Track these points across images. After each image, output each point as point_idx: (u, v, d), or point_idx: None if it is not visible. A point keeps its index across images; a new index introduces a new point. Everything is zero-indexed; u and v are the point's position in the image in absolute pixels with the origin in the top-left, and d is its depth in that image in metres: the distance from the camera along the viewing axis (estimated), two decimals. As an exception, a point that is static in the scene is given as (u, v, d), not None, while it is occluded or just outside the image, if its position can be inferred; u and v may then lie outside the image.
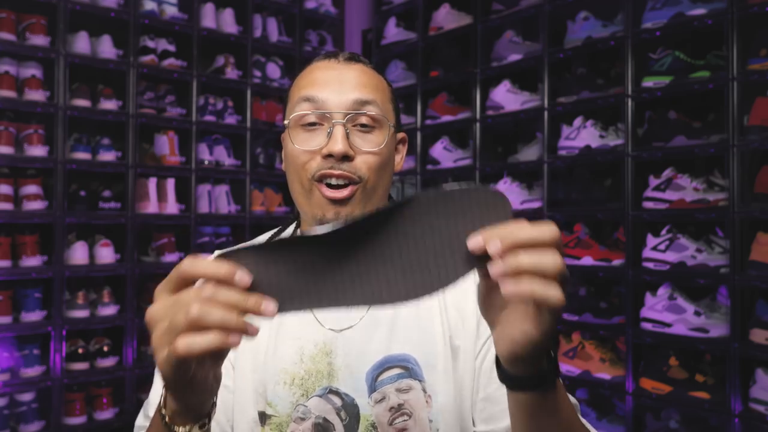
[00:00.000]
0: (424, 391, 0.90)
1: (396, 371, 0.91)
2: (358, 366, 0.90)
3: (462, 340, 0.93)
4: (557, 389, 0.67)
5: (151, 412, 0.89)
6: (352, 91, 0.91)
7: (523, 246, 0.56)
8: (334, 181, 0.89)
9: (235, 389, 0.93)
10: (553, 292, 0.55)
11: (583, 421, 0.79)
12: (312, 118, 0.91)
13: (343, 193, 0.89)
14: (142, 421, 0.93)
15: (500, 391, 0.89)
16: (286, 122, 0.93)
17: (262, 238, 1.05)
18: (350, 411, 0.90)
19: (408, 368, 0.91)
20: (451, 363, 0.92)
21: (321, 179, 0.89)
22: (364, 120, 0.91)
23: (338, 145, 0.87)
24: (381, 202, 0.96)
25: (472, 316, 0.95)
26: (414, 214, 0.60)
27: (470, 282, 0.96)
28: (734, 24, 2.13)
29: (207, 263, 0.57)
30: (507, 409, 0.71)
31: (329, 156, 0.88)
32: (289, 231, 1.04)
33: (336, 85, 0.91)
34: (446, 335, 0.93)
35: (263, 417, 0.91)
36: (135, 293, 2.84)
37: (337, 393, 0.90)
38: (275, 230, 1.06)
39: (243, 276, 0.57)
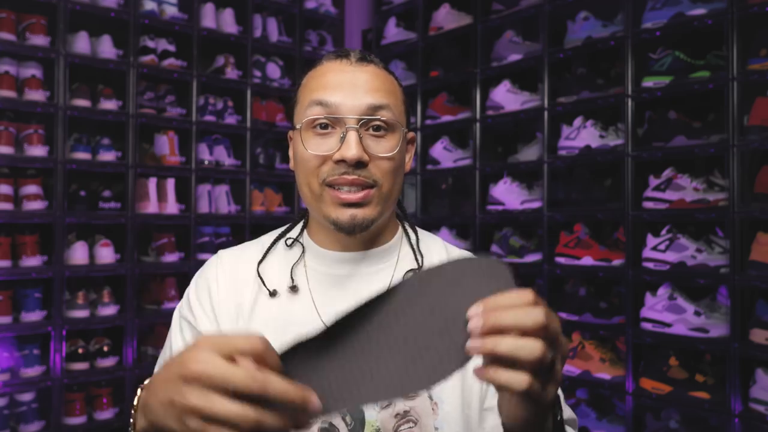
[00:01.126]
0: (431, 398, 0.90)
1: None
2: None
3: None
4: None
5: None
6: (366, 96, 0.89)
7: (506, 330, 0.55)
8: (346, 188, 0.88)
9: None
10: (517, 379, 0.55)
11: None
12: (324, 122, 0.89)
13: (357, 195, 0.88)
14: None
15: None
16: (298, 126, 0.92)
17: (267, 238, 1.04)
18: (355, 416, 0.89)
19: None
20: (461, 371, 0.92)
21: (332, 185, 0.89)
22: (377, 124, 0.90)
23: (352, 151, 0.86)
24: (394, 205, 0.97)
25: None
26: (410, 295, 0.58)
27: None
28: (734, 24, 2.13)
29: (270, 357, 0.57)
30: None
31: (341, 161, 0.87)
32: (295, 231, 1.03)
33: (349, 89, 0.89)
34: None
35: None
36: (135, 293, 2.84)
37: None
38: (283, 229, 1.04)
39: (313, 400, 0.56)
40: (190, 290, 1.00)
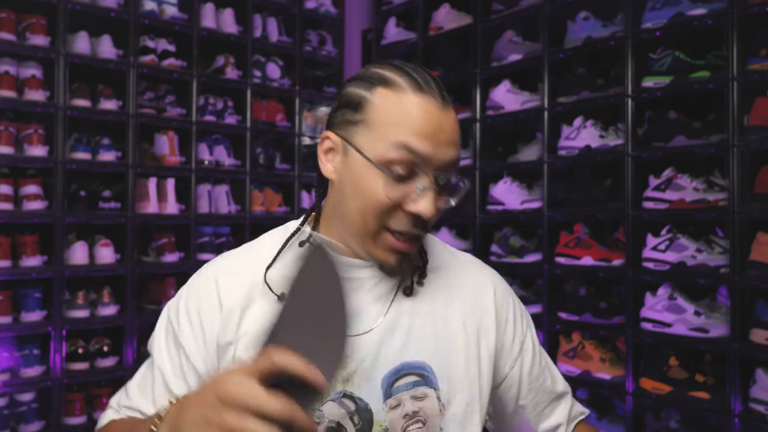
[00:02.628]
0: (439, 399, 0.92)
1: (412, 378, 0.91)
2: (374, 371, 0.90)
3: (485, 346, 0.97)
4: None
5: (124, 410, 0.92)
6: (449, 149, 0.84)
7: None
8: (405, 236, 0.86)
9: None
10: None
11: None
12: (405, 171, 0.83)
13: (409, 245, 0.88)
14: (115, 404, 0.95)
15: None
16: (378, 164, 0.82)
17: (267, 239, 0.98)
18: (363, 416, 0.89)
19: (424, 376, 0.92)
20: (475, 371, 0.95)
21: (393, 231, 0.86)
22: (448, 180, 0.87)
23: (431, 211, 0.83)
24: None
25: (490, 308, 1.00)
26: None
27: (487, 282, 1.01)
28: (734, 24, 2.13)
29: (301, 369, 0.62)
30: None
31: (415, 215, 0.84)
32: (305, 232, 0.96)
33: (440, 140, 0.83)
34: (470, 348, 0.96)
35: None
36: (135, 293, 2.84)
37: (351, 397, 0.90)
38: (293, 232, 0.96)
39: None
40: (182, 297, 0.95)
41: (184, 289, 0.96)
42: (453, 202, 0.89)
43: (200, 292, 0.93)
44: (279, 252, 0.93)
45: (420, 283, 0.96)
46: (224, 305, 0.90)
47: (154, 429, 0.71)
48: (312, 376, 0.62)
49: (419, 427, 0.90)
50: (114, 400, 0.96)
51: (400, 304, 0.94)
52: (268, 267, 0.92)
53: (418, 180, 0.83)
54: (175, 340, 0.92)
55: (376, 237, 0.86)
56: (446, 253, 1.04)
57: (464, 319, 0.97)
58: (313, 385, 0.63)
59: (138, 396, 0.93)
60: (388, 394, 0.90)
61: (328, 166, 0.90)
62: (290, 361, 0.62)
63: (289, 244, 0.94)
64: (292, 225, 0.99)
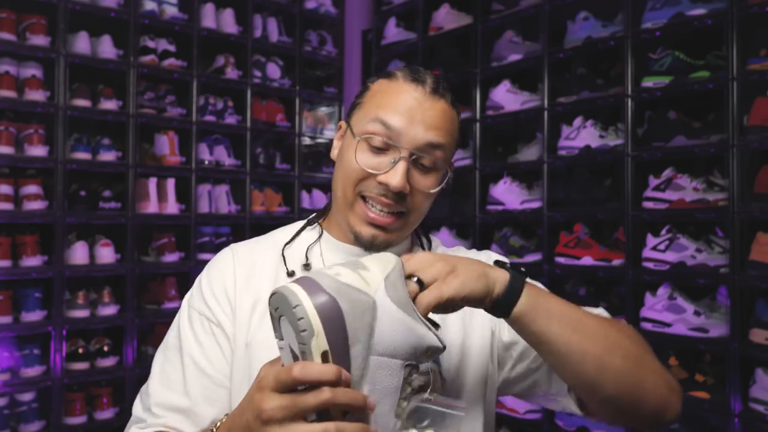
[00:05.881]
0: (441, 375, 0.93)
1: None
2: None
3: (479, 318, 0.99)
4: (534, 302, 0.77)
5: (154, 407, 0.92)
6: (427, 132, 0.91)
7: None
8: (378, 207, 0.92)
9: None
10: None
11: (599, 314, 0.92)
12: (380, 144, 0.91)
13: (386, 219, 0.92)
14: (141, 413, 0.94)
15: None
16: (355, 131, 0.93)
17: (280, 234, 1.05)
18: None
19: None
20: (478, 343, 0.98)
21: (367, 199, 0.92)
22: (426, 162, 0.92)
23: (397, 181, 0.89)
24: (413, 228, 1.00)
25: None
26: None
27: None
28: (734, 24, 2.13)
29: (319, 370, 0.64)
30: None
31: (385, 185, 0.90)
32: (314, 234, 1.04)
33: (415, 120, 0.91)
34: (465, 318, 0.98)
35: None
36: (135, 293, 2.84)
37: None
38: (300, 228, 1.05)
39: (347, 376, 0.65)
40: (202, 282, 0.99)
41: (202, 279, 1.01)
42: (433, 190, 0.94)
43: (223, 271, 0.99)
44: (297, 233, 1.03)
45: None
46: (242, 271, 0.98)
47: None
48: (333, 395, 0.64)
49: (420, 369, 0.92)
50: (136, 411, 0.95)
51: None
52: (286, 244, 1.01)
53: (392, 154, 0.91)
54: (203, 323, 0.95)
55: (353, 206, 0.93)
56: (441, 249, 1.08)
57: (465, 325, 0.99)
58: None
59: (166, 392, 0.93)
60: None
61: (335, 150, 1.00)
62: (313, 372, 0.64)
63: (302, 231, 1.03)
64: (299, 223, 1.06)
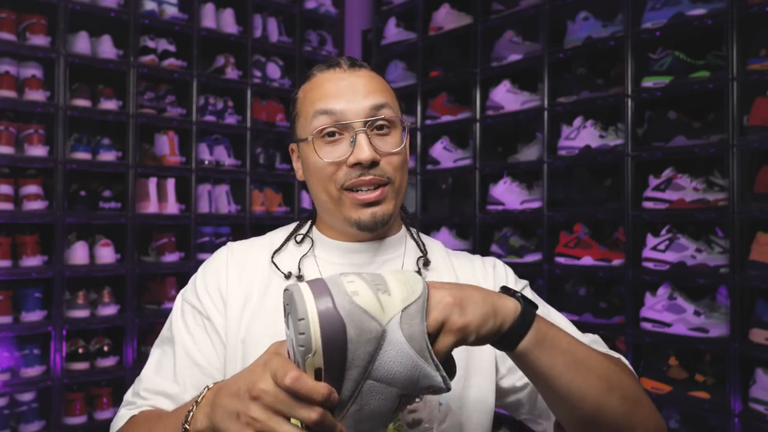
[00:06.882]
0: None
1: None
2: None
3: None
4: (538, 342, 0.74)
5: (142, 391, 0.95)
6: (366, 98, 0.94)
7: None
8: (365, 188, 0.93)
9: None
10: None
11: (601, 349, 0.88)
12: (332, 130, 0.93)
13: (374, 194, 0.93)
14: (130, 397, 0.98)
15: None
16: (307, 138, 0.95)
17: (277, 234, 1.06)
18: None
19: None
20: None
21: (351, 188, 0.93)
22: (381, 123, 0.94)
23: (365, 153, 0.91)
24: (404, 197, 1.01)
25: (490, 278, 1.09)
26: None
27: (488, 264, 1.08)
28: (734, 24, 2.13)
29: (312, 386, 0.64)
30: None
31: (356, 164, 0.91)
32: (304, 228, 1.06)
33: (350, 95, 0.94)
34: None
35: None
36: (135, 293, 2.84)
37: None
38: (293, 226, 1.07)
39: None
40: (197, 277, 1.02)
41: (197, 274, 1.03)
42: (398, 147, 0.95)
43: (217, 267, 1.01)
44: (283, 243, 1.03)
45: (425, 268, 1.01)
46: (236, 267, 0.99)
47: (191, 410, 0.74)
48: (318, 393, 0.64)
49: (417, 400, 0.92)
50: (127, 396, 0.98)
51: None
52: (275, 252, 1.02)
53: (348, 134, 0.93)
54: (195, 316, 0.98)
55: (341, 201, 0.94)
56: (442, 252, 1.08)
57: None
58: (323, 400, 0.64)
59: (157, 378, 0.96)
60: None
61: (298, 171, 1.02)
62: (303, 384, 0.64)
63: (289, 240, 1.04)
64: (294, 224, 1.08)
